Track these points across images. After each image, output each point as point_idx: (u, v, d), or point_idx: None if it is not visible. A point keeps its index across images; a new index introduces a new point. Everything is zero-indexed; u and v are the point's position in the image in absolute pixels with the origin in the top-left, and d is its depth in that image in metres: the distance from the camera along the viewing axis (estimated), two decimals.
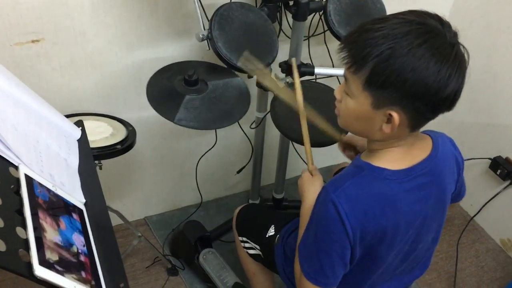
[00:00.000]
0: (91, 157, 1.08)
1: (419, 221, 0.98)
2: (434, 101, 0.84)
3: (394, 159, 0.93)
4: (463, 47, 0.85)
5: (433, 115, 0.88)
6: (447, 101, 0.85)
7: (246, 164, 2.00)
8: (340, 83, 1.85)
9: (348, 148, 1.26)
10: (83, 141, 1.07)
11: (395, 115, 0.85)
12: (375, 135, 0.92)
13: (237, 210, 1.53)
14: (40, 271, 0.67)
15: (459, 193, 1.12)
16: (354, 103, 0.90)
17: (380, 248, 0.97)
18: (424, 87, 0.81)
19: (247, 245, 1.44)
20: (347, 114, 0.93)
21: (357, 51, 0.84)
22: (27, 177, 0.80)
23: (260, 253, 1.40)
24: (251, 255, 1.44)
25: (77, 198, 0.91)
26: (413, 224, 0.98)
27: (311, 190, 1.11)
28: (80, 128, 1.09)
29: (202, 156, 1.91)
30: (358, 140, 1.22)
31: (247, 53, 1.27)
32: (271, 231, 1.36)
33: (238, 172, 2.03)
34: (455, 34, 0.84)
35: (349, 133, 1.24)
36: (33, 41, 1.40)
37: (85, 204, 0.92)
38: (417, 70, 0.80)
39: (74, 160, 1.00)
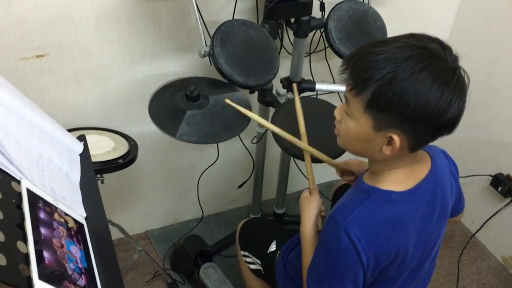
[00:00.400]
0: (92, 172, 1.09)
1: (425, 237, 0.99)
2: (435, 125, 0.84)
3: (399, 180, 0.94)
4: (464, 70, 0.85)
5: (434, 138, 0.89)
6: (448, 125, 0.86)
7: (248, 179, 2.01)
8: (341, 99, 1.87)
9: (346, 173, 1.26)
10: (85, 156, 1.08)
11: (396, 138, 0.86)
12: (375, 156, 0.92)
13: (240, 224, 1.53)
14: (40, 286, 0.67)
15: (458, 204, 1.12)
16: (354, 124, 0.90)
17: (392, 269, 0.97)
18: (426, 112, 0.82)
19: (248, 259, 1.43)
20: (347, 134, 0.93)
21: (359, 74, 0.85)
22: (29, 192, 0.81)
23: (261, 268, 1.39)
24: (252, 270, 1.44)
25: (78, 213, 0.92)
26: (421, 241, 0.98)
27: (306, 210, 1.13)
28: (83, 142, 1.11)
29: (204, 170, 1.92)
30: (355, 166, 1.22)
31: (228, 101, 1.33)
32: (273, 247, 1.36)
33: (240, 186, 2.03)
34: (456, 58, 0.85)
35: (345, 160, 1.25)
36: (38, 56, 1.42)
37: (86, 219, 0.93)
38: (419, 95, 0.81)
39: (76, 174, 1.01)
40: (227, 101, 1.33)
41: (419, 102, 0.81)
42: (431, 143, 0.92)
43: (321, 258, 0.98)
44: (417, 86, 0.80)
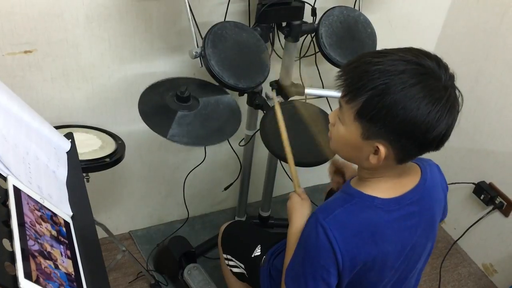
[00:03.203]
0: (79, 170, 1.08)
1: (408, 249, 0.99)
2: (421, 140, 0.86)
3: (384, 189, 0.95)
4: (458, 90, 0.87)
5: (420, 153, 0.90)
6: (434, 142, 0.87)
7: (234, 181, 2.01)
8: (329, 104, 1.88)
9: (338, 173, 1.25)
10: (72, 154, 1.07)
11: (382, 148, 0.87)
12: (363, 164, 0.94)
13: (223, 227, 1.52)
14: (25, 285, 0.66)
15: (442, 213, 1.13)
16: (345, 130, 0.91)
17: (370, 276, 0.97)
18: (412, 126, 0.83)
19: (231, 263, 1.43)
20: (338, 139, 0.95)
21: (353, 82, 0.86)
22: (15, 189, 0.80)
23: (245, 272, 1.39)
24: (235, 273, 1.43)
25: (64, 211, 0.91)
26: (403, 252, 0.99)
27: (300, 213, 1.11)
28: (70, 140, 1.09)
29: (190, 171, 1.91)
30: (349, 171, 1.22)
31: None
32: (257, 251, 1.36)
33: (226, 188, 2.03)
34: (451, 77, 0.86)
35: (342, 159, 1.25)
36: (25, 52, 1.40)
37: (72, 217, 0.92)
38: (408, 109, 0.82)
39: (62, 172, 1.00)
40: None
41: (407, 117, 0.82)
42: (425, 157, 0.93)
43: (299, 255, 0.99)
44: (406, 101, 0.82)
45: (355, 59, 0.89)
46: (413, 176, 0.99)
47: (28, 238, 0.74)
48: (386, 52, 0.86)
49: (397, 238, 0.96)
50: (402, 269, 1.02)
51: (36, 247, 0.75)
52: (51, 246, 0.79)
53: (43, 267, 0.73)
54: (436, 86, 0.83)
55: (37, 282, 0.69)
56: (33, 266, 0.71)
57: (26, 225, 0.76)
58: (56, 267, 0.76)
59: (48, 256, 0.76)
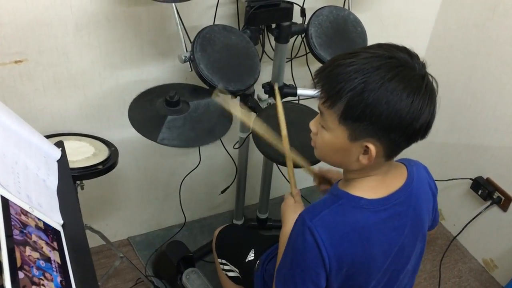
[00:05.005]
0: (70, 178, 1.08)
1: (396, 250, 0.99)
2: (408, 131, 0.86)
3: (370, 188, 0.94)
4: (432, 76, 0.87)
5: (408, 144, 0.90)
6: (421, 130, 0.87)
7: (230, 184, 2.00)
8: None
9: (324, 182, 1.26)
10: (62, 162, 1.07)
11: (371, 147, 0.87)
12: (352, 166, 0.93)
13: (217, 231, 1.52)
14: None
15: (433, 220, 1.12)
16: (330, 136, 0.91)
17: (358, 278, 0.97)
18: (398, 119, 0.83)
19: (226, 267, 1.43)
20: (324, 146, 0.94)
21: (331, 86, 0.86)
22: (3, 199, 0.80)
23: (239, 276, 1.39)
24: (230, 277, 1.43)
25: (54, 219, 0.90)
26: (391, 253, 0.98)
27: (293, 217, 1.10)
28: (60, 148, 1.09)
29: (186, 176, 1.91)
30: (332, 174, 1.23)
31: (221, 86, 1.30)
32: (251, 256, 1.35)
33: (222, 192, 2.03)
34: (423, 65, 0.86)
35: (328, 168, 1.25)
36: (16, 62, 1.41)
37: (63, 225, 0.92)
38: (391, 103, 0.82)
39: (53, 181, 1.00)
40: (216, 95, 1.32)
41: (391, 111, 0.82)
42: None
43: (288, 257, 0.98)
44: (388, 95, 0.82)
45: (327, 64, 0.88)
46: (400, 176, 0.98)
47: (16, 248, 0.74)
48: (356, 52, 0.86)
49: (384, 239, 0.95)
50: (392, 270, 1.01)
51: (25, 257, 0.75)
52: (41, 254, 0.79)
53: (31, 277, 0.73)
54: (413, 76, 0.84)
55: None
56: (21, 276, 0.70)
57: (14, 235, 0.76)
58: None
59: (37, 266, 0.76)
